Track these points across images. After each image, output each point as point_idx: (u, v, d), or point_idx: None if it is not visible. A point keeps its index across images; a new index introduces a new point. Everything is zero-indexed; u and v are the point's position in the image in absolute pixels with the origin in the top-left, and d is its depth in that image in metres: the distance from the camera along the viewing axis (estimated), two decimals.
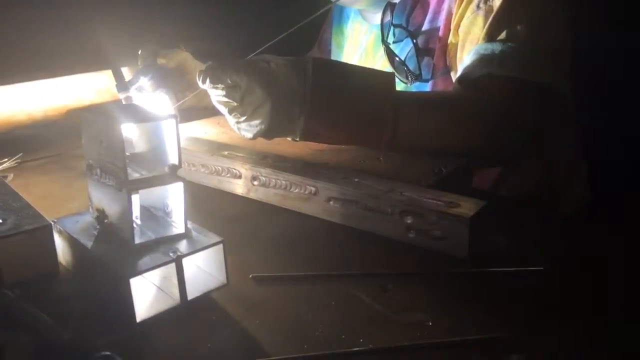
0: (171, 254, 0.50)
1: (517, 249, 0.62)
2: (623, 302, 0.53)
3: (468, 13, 0.88)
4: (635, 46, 1.10)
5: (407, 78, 0.96)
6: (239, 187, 0.77)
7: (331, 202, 0.68)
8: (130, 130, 0.56)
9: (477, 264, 0.58)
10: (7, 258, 0.54)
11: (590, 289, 0.55)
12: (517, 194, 0.94)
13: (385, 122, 0.77)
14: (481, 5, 0.87)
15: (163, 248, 0.52)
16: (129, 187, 0.50)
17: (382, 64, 1.00)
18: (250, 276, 0.57)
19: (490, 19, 0.85)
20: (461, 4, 0.89)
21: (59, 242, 0.58)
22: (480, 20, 0.86)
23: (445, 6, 0.93)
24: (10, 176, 0.85)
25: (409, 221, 0.62)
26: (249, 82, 0.71)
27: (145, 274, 0.51)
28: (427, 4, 0.96)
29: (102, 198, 0.55)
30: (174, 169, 0.53)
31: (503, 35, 0.84)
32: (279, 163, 0.75)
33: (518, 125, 0.83)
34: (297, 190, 0.71)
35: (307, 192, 0.70)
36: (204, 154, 0.80)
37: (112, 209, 0.54)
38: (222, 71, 0.72)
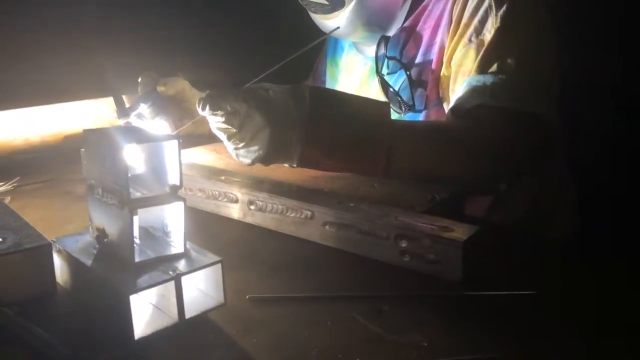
0: (170, 272, 0.51)
1: (510, 273, 0.63)
2: (612, 324, 0.54)
3: (460, 46, 0.91)
4: (621, 79, 1.13)
5: (400, 108, 0.98)
6: (235, 212, 0.77)
7: (327, 227, 0.69)
8: (132, 152, 0.57)
9: (471, 287, 0.59)
10: (7, 276, 0.55)
11: (580, 313, 0.56)
12: (508, 222, 0.95)
13: (380, 149, 0.79)
14: (472, 39, 0.90)
15: (162, 267, 0.52)
16: (131, 205, 0.51)
17: (376, 94, 1.03)
18: (247, 297, 0.57)
19: (481, 52, 0.88)
20: (453, 37, 0.92)
21: (58, 262, 0.58)
22: (472, 53, 0.89)
23: (437, 40, 0.96)
24: (7, 199, 0.86)
25: (403, 245, 0.63)
26: (248, 109, 0.73)
27: (144, 293, 0.52)
28: (420, 38, 0.99)
29: (102, 217, 0.56)
30: (175, 189, 0.54)
31: (494, 67, 0.87)
32: (276, 187, 0.76)
33: (509, 154, 0.85)
34: (293, 215, 0.72)
35: (303, 216, 0.71)
36: (202, 178, 0.81)
37: (112, 228, 0.55)
38: (222, 98, 0.74)
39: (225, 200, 0.78)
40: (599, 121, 1.15)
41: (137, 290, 0.49)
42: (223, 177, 0.80)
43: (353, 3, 0.98)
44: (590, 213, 1.05)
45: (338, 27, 0.99)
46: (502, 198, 0.96)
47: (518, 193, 0.98)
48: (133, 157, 0.57)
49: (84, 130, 0.57)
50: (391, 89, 0.99)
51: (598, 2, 1.19)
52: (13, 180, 0.93)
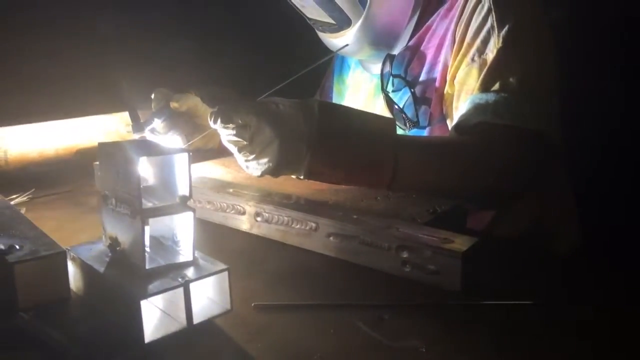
0: (180, 279, 0.53)
1: (509, 284, 0.65)
2: (609, 335, 0.55)
3: (463, 65, 0.94)
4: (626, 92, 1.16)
5: (405, 125, 1.00)
6: (242, 223, 0.80)
7: (331, 238, 0.71)
8: (144, 164, 0.60)
9: (470, 297, 0.61)
10: (23, 282, 0.57)
11: (578, 323, 0.57)
12: (510, 236, 0.97)
13: (386, 163, 0.81)
14: (475, 58, 0.92)
15: (172, 274, 0.55)
16: (143, 215, 0.54)
17: (381, 111, 1.05)
18: (253, 304, 0.59)
19: (484, 71, 0.90)
20: (456, 56, 0.95)
21: (72, 269, 0.61)
22: (475, 72, 0.92)
23: (441, 58, 0.98)
24: (23, 210, 0.89)
25: (404, 256, 0.65)
26: (258, 122, 0.76)
27: (154, 299, 0.54)
28: (425, 56, 1.01)
29: (115, 226, 0.58)
30: (185, 199, 0.56)
31: (496, 86, 0.89)
32: (282, 200, 0.78)
33: (510, 171, 0.87)
34: (298, 226, 0.74)
35: (308, 227, 0.73)
36: (210, 191, 0.83)
37: (125, 237, 0.57)
38: (233, 112, 0.77)
39: (232, 212, 0.81)
40: (601, 133, 1.17)
41: (147, 295, 0.51)
42: (231, 190, 0.83)
43: (359, 22, 1.01)
44: (592, 227, 1.06)
45: (347, 45, 1.02)
46: (504, 213, 0.97)
47: (520, 209, 1.00)
48: (145, 169, 0.60)
49: (99, 144, 0.59)
50: (396, 106, 1.02)
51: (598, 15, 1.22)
52: (28, 192, 0.96)
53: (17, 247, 0.60)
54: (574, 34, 1.15)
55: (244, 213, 0.80)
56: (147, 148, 0.58)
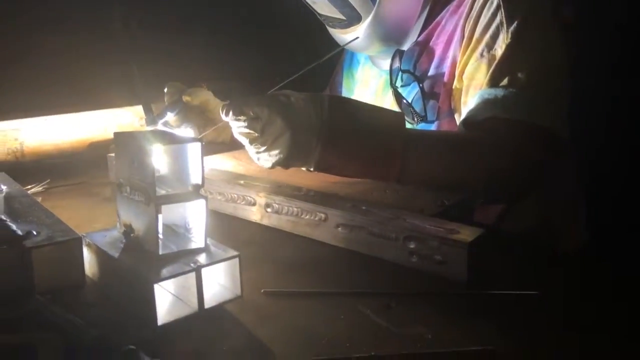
0: (192, 265, 0.55)
1: (514, 275, 0.66)
2: (613, 326, 0.56)
3: (472, 60, 0.94)
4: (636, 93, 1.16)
5: (413, 119, 1.01)
6: (253, 214, 0.81)
7: (339, 229, 0.72)
8: (158, 153, 0.62)
9: (475, 287, 0.62)
10: (40, 267, 0.59)
11: (583, 313, 0.58)
12: (516, 232, 0.97)
13: (395, 156, 0.82)
14: (484, 53, 0.93)
15: (184, 259, 0.56)
16: (156, 202, 0.55)
17: (390, 106, 1.06)
18: (262, 291, 0.61)
19: (493, 66, 0.91)
20: (465, 52, 0.96)
21: (87, 255, 0.63)
22: (483, 67, 0.93)
23: (450, 54, 0.99)
24: (39, 199, 0.91)
25: (412, 246, 0.66)
26: (269, 114, 0.77)
27: (166, 284, 0.56)
28: (433, 52, 1.02)
29: (130, 214, 0.60)
30: (197, 187, 0.58)
31: (505, 81, 0.90)
32: (292, 192, 0.80)
33: (519, 165, 0.87)
34: (307, 217, 0.75)
35: (317, 218, 0.74)
36: (222, 182, 0.85)
37: (139, 223, 0.59)
38: (244, 104, 0.78)
39: (243, 203, 0.82)
40: (611, 133, 1.17)
41: (160, 279, 0.53)
42: (242, 182, 0.84)
43: (369, 18, 1.02)
44: (600, 226, 1.07)
45: (357, 38, 1.03)
46: (511, 209, 0.98)
47: (527, 205, 1.00)
48: (159, 158, 0.61)
49: (115, 133, 0.61)
50: (404, 101, 1.02)
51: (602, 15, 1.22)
52: (43, 183, 0.98)
53: (35, 233, 0.62)
54: (586, 31, 1.15)
55: (254, 204, 0.81)
56: (161, 137, 0.60)
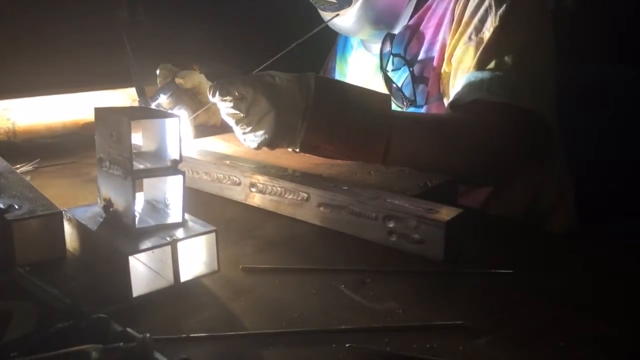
0: (168, 238, 0.56)
1: (491, 255, 0.66)
2: (589, 303, 0.57)
3: (460, 44, 0.95)
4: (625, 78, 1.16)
5: (402, 103, 1.02)
6: (238, 194, 0.82)
7: (321, 208, 0.73)
8: (136, 128, 0.62)
9: (452, 265, 0.62)
10: (21, 239, 0.60)
11: (558, 290, 0.59)
12: (504, 216, 0.98)
13: (380, 137, 0.83)
14: (472, 37, 0.93)
15: (161, 233, 0.57)
16: (133, 175, 0.56)
17: (379, 90, 1.06)
18: (241, 267, 0.61)
19: (480, 49, 0.91)
20: (454, 35, 0.96)
21: (68, 229, 0.63)
22: (471, 50, 0.93)
23: (439, 38, 0.99)
24: (28, 178, 0.91)
25: (391, 225, 0.67)
26: (254, 94, 0.78)
27: (143, 257, 0.56)
28: (423, 36, 1.02)
29: (109, 188, 0.61)
30: (175, 163, 0.59)
31: (492, 64, 0.90)
32: (277, 172, 0.80)
33: (503, 148, 0.88)
34: (290, 197, 0.76)
35: (299, 198, 0.75)
36: (207, 162, 0.85)
37: (117, 198, 0.59)
38: (230, 84, 0.79)
39: (228, 182, 0.83)
40: (597, 119, 1.17)
41: (136, 252, 0.54)
42: (228, 162, 0.85)
43: (360, 1, 1.02)
44: (587, 211, 1.07)
45: (337, 14, 1.03)
46: (498, 192, 0.98)
47: (515, 189, 1.01)
48: (138, 132, 0.62)
49: (95, 108, 0.61)
50: (394, 85, 1.03)
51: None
52: (33, 162, 0.99)
53: (16, 206, 0.63)
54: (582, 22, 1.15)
55: (239, 184, 0.82)
56: (139, 112, 0.60)
